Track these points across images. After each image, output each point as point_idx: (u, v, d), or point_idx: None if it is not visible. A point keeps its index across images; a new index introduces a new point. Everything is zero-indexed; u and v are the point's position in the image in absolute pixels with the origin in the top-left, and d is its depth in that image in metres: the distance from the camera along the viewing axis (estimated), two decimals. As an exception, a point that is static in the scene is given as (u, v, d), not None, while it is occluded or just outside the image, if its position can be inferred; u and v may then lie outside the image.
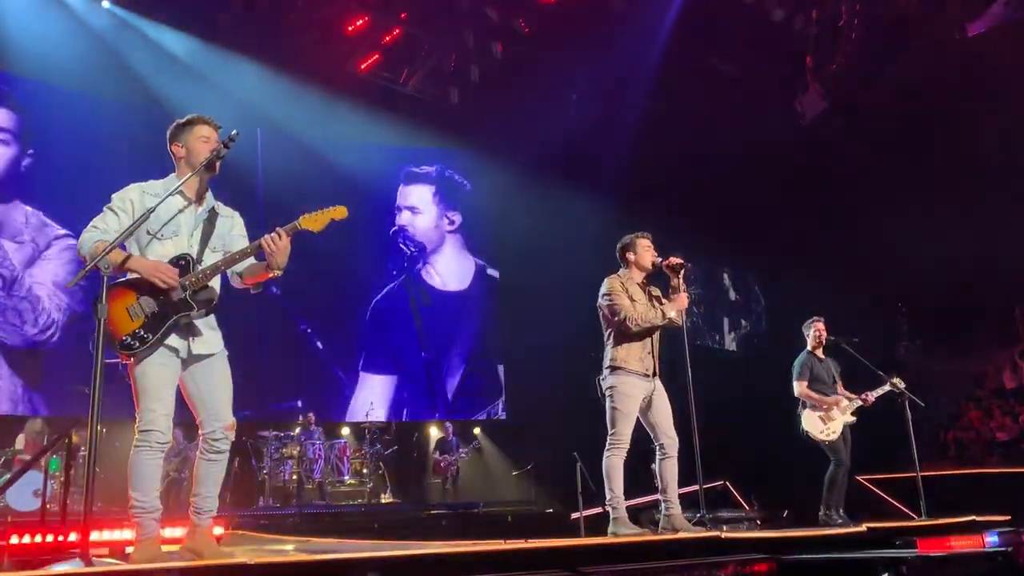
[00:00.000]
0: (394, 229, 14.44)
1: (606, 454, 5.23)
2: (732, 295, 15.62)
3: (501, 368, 14.50)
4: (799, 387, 7.36)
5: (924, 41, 10.69)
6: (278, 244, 3.74)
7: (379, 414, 12.96)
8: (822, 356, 7.59)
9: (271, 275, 3.86)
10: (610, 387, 5.31)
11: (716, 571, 3.70)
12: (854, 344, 7.43)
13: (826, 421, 7.26)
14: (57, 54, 11.32)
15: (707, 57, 12.02)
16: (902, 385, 7.33)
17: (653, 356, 5.39)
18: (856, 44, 10.92)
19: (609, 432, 5.26)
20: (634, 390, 5.26)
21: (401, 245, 14.43)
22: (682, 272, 5.43)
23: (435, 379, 14.19)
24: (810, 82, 11.47)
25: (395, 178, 14.59)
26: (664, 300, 5.53)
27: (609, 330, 5.45)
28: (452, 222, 14.75)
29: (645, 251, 5.54)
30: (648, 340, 5.40)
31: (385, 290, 14.18)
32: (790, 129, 11.88)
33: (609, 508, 5.20)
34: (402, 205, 14.57)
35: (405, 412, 13.74)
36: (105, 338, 3.49)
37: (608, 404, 5.30)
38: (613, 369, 5.32)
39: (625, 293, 5.39)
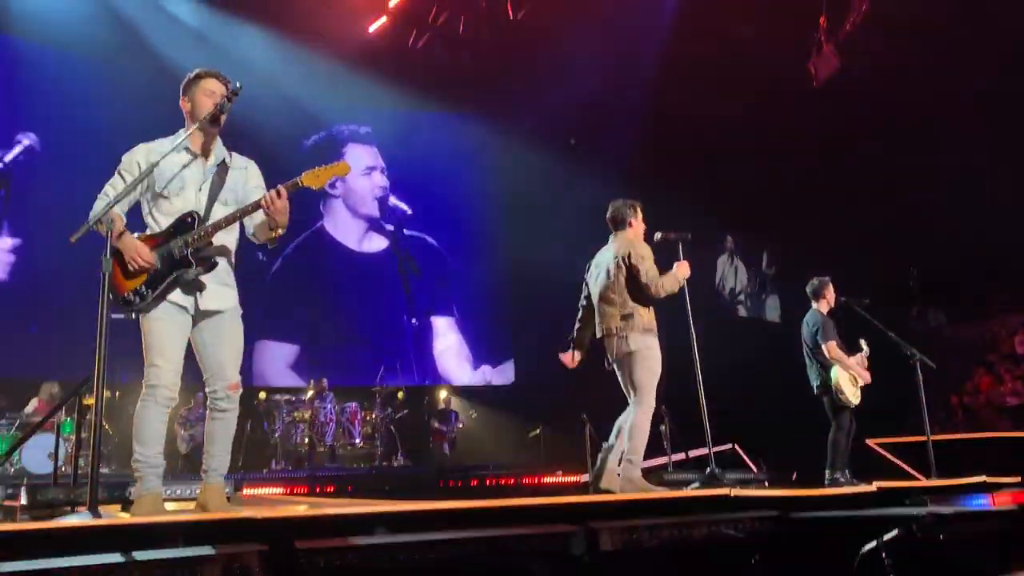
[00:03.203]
0: (384, 193, 14.37)
1: (639, 412, 5.22)
2: (737, 260, 15.52)
3: (509, 333, 14.51)
4: (831, 348, 7.19)
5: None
6: (276, 203, 3.70)
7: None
8: None
9: (275, 234, 3.85)
10: (647, 347, 5.30)
11: (723, 528, 3.70)
12: (864, 306, 7.36)
13: (854, 384, 7.23)
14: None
15: (718, 19, 11.86)
16: (867, 351, 7.38)
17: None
18: (871, 3, 10.76)
19: (642, 391, 5.24)
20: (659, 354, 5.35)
21: (394, 202, 14.40)
22: (682, 243, 5.65)
23: (428, 344, 14.22)
24: (824, 43, 11.30)
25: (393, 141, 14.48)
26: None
27: (632, 291, 5.38)
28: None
29: (641, 223, 5.66)
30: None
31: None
32: (802, 91, 11.73)
33: (627, 462, 5.19)
34: (380, 166, 14.43)
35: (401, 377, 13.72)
36: (111, 294, 3.51)
37: (642, 365, 5.27)
38: (645, 330, 5.32)
39: (653, 260, 5.42)
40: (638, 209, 5.64)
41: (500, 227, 14.45)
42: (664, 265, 5.55)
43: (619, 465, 5.27)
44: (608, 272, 5.48)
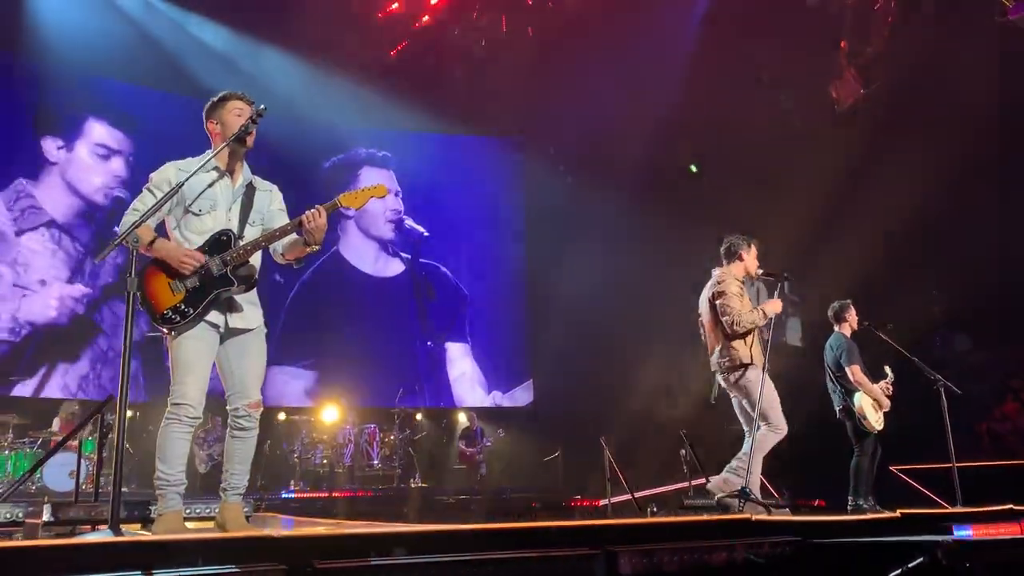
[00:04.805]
0: (397, 216, 14.39)
1: (764, 431, 5.38)
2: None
3: (528, 356, 14.48)
4: (855, 372, 7.12)
5: (962, 24, 10.44)
6: (317, 221, 3.76)
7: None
8: None
9: (308, 251, 3.90)
10: (747, 381, 5.43)
11: (745, 552, 3.66)
12: (887, 330, 7.29)
13: (877, 410, 7.14)
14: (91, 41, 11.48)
15: (739, 44, 11.89)
16: (891, 377, 7.31)
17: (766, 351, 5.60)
18: (892, 27, 10.74)
19: (767, 417, 5.39)
20: (767, 381, 5.43)
21: (410, 224, 14.43)
22: (782, 283, 5.74)
23: (443, 369, 14.22)
24: (845, 67, 11.27)
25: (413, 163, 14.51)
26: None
27: (724, 328, 5.51)
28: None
29: (754, 259, 5.76)
30: (756, 336, 5.58)
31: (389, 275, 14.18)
32: (823, 113, 11.70)
33: (733, 471, 5.40)
34: (394, 189, 14.37)
35: (423, 399, 13.73)
36: (145, 311, 3.57)
37: (752, 399, 5.38)
38: (747, 366, 5.45)
39: (737, 296, 5.54)
40: (752, 244, 5.78)
41: (519, 248, 14.48)
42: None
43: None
44: (705, 311, 5.68)
